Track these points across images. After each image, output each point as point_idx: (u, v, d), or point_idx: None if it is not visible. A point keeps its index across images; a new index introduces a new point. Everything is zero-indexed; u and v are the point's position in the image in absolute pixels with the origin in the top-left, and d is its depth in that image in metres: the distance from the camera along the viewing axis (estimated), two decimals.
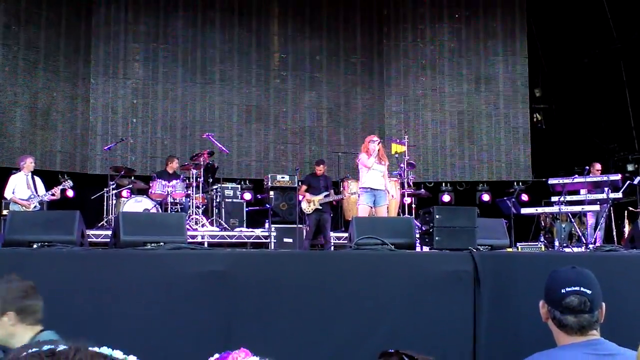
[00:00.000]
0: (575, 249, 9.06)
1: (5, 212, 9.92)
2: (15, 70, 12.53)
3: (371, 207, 8.92)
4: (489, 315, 4.45)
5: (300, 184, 11.58)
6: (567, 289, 2.33)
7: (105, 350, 1.22)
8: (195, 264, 4.16)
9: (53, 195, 9.85)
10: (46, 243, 4.57)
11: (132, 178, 11.56)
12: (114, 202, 11.01)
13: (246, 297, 4.14)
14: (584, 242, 9.96)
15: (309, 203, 10.75)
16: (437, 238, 5.22)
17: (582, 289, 2.32)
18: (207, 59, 14.29)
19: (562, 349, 2.35)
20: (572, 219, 10.45)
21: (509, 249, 6.54)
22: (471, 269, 4.54)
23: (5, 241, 4.82)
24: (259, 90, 14.50)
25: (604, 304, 2.38)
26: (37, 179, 10.02)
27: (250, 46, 14.59)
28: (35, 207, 9.61)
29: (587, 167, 10.28)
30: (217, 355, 1.55)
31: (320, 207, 10.71)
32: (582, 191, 10.20)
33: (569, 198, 9.97)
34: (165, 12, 14.16)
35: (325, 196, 10.78)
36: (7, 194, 9.75)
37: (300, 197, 11.12)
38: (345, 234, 8.66)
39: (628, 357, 2.29)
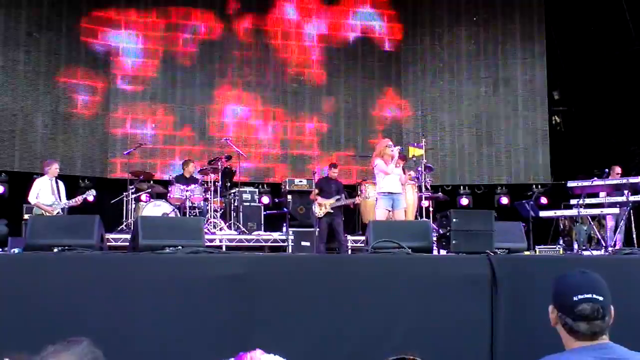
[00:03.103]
0: (595, 252, 8.99)
1: (26, 216, 10.03)
2: (37, 75, 12.67)
3: (389, 211, 8.89)
4: (506, 319, 4.44)
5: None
6: (580, 297, 2.31)
7: None
8: (213, 268, 4.19)
9: (75, 202, 9.93)
10: (66, 247, 4.64)
11: (151, 182, 11.65)
12: (133, 206, 11.11)
13: (264, 301, 4.16)
14: (604, 245, 9.88)
15: (321, 207, 10.75)
16: (454, 241, 5.22)
17: (594, 296, 2.30)
18: (224, 64, 14.34)
19: (571, 352, 2.34)
20: (592, 222, 10.37)
21: (527, 252, 6.51)
22: (488, 272, 4.52)
23: (26, 245, 4.90)
24: (278, 93, 14.54)
25: (612, 307, 2.37)
26: (61, 184, 10.07)
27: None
28: (57, 213, 9.66)
29: (607, 170, 10.21)
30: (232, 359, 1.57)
31: (332, 211, 10.71)
32: (602, 193, 10.12)
33: (588, 201, 9.90)
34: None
35: (337, 200, 10.78)
36: (32, 198, 9.77)
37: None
38: (362, 238, 8.65)
39: None
